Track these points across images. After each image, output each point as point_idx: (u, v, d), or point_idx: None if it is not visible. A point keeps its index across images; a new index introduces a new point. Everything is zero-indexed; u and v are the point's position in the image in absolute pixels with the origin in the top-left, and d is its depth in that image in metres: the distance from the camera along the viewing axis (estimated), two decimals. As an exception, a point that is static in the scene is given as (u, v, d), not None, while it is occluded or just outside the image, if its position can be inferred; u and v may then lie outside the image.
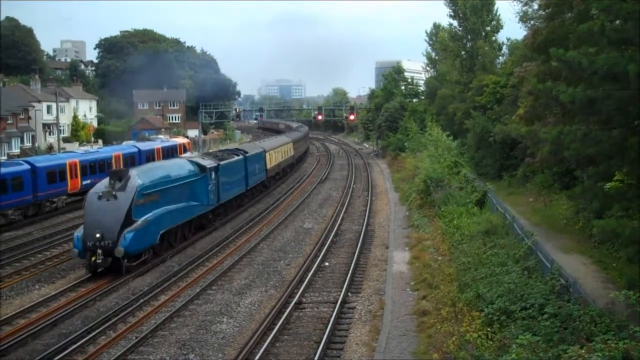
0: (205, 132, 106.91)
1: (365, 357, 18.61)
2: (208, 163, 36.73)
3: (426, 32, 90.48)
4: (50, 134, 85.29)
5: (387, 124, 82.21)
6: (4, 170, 38.06)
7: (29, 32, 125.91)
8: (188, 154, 43.82)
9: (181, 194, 32.50)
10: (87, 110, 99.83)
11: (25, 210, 39.95)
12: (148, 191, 29.14)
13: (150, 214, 29.03)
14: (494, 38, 60.20)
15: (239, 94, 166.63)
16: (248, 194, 46.03)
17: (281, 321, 21.27)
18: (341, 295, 23.72)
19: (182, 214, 32.76)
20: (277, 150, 57.87)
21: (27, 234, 36.94)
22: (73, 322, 22.16)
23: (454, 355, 16.46)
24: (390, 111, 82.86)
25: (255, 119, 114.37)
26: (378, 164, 75.93)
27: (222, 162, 38.72)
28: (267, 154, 52.32)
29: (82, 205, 30.94)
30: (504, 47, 60.67)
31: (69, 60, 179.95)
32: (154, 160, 56.23)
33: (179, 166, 34.55)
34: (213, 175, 36.76)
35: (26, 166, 40.07)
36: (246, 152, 46.05)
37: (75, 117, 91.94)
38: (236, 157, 43.00)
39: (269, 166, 52.60)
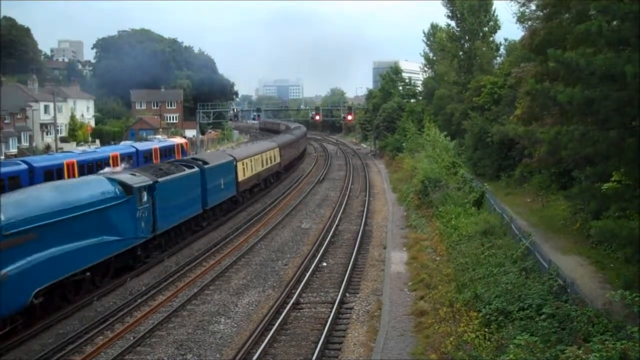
0: (203, 132, 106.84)
1: (363, 358, 18.61)
2: (138, 181, 27.96)
3: (424, 33, 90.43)
4: (47, 134, 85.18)
5: (385, 125, 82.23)
6: (1, 170, 37.94)
7: (26, 31, 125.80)
8: (116, 169, 33.58)
9: (87, 228, 23.80)
10: (84, 110, 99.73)
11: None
12: (16, 230, 20.13)
13: (22, 262, 20.23)
14: (491, 39, 60.30)
15: (236, 94, 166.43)
16: (208, 215, 37.66)
17: (279, 321, 21.27)
18: (339, 296, 23.72)
19: (86, 256, 23.76)
20: (254, 159, 49.47)
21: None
22: (71, 322, 22.13)
23: (452, 355, 16.48)
24: (388, 111, 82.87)
25: (253, 119, 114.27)
26: (376, 165, 75.93)
27: (161, 179, 30.11)
28: (240, 164, 44.41)
29: None
30: (502, 47, 60.85)
31: (66, 60, 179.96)
32: (151, 160, 56.18)
33: (89, 187, 25.53)
34: (145, 198, 28.27)
35: (24, 166, 39.95)
36: (206, 163, 37.67)
37: (72, 117, 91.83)
38: (187, 171, 34.24)
39: (241, 178, 44.56)
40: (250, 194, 48.69)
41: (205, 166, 36.93)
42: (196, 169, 35.60)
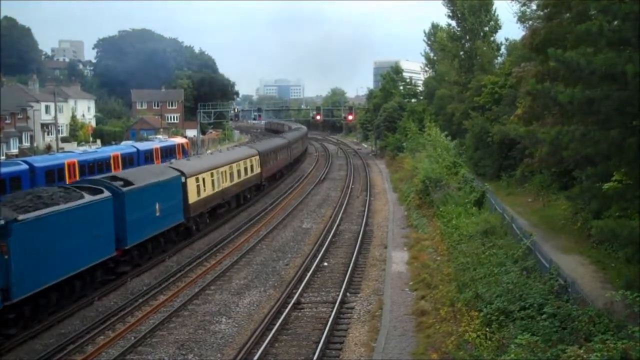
0: (203, 132, 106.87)
1: (364, 358, 18.62)
2: None
3: (424, 32, 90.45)
4: (48, 134, 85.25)
5: (386, 124, 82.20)
6: (2, 170, 37.91)
7: (27, 31, 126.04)
8: None
9: None
10: (85, 110, 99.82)
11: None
12: None
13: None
14: (492, 38, 60.22)
15: (237, 94, 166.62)
16: (131, 254, 28.04)
17: (280, 321, 21.29)
18: (340, 296, 23.74)
19: None
20: (218, 172, 39.24)
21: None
22: (72, 321, 22.16)
23: (453, 355, 16.50)
24: (389, 111, 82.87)
25: (254, 119, 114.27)
26: (377, 164, 75.92)
27: (23, 217, 20.49)
28: (192, 180, 34.39)
29: None
30: (503, 47, 60.79)
31: (67, 60, 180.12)
32: (153, 160, 56.20)
33: None
34: None
35: (24, 166, 39.97)
36: (128, 184, 28.11)
37: (73, 117, 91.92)
38: (85, 200, 24.21)
39: (193, 199, 34.63)
40: (211, 217, 39.15)
41: (125, 189, 27.44)
42: (106, 194, 25.75)
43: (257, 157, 49.91)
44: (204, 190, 36.61)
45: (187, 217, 33.89)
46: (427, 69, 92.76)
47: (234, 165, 43.49)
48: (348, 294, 24.59)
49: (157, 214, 30.10)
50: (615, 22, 16.47)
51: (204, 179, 36.64)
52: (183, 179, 33.60)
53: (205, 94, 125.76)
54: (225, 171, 41.19)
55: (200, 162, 39.51)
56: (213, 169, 38.74)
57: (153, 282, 26.71)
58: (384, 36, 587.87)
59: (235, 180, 43.19)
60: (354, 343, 19.71)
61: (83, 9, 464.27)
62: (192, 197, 34.56)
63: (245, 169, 46.09)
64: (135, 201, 27.98)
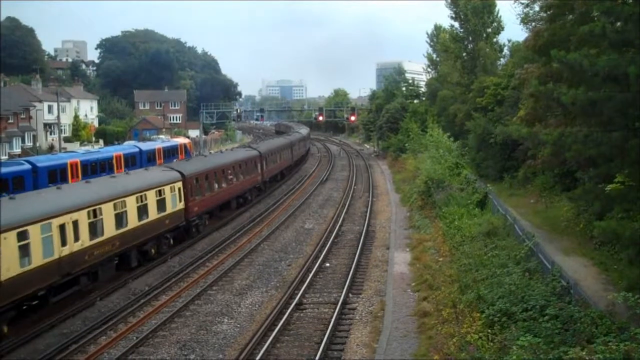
0: (206, 133, 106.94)
1: (365, 359, 18.62)
2: None
3: (427, 34, 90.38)
4: (51, 134, 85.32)
5: (388, 125, 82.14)
6: (5, 169, 38.05)
7: (30, 32, 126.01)
8: None
9: None
10: (88, 110, 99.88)
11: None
12: None
13: None
14: (495, 40, 60.10)
15: (240, 94, 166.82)
16: None
17: (282, 322, 21.29)
18: (342, 296, 23.73)
19: None
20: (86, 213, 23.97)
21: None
22: (74, 322, 22.18)
23: (455, 356, 16.47)
24: (391, 112, 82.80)
25: (256, 119, 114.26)
26: (379, 165, 75.91)
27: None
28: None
29: None
30: (505, 48, 60.72)
31: (70, 60, 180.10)
32: (155, 161, 56.23)
33: None
34: None
35: (27, 166, 40.07)
36: None
37: (76, 117, 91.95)
38: None
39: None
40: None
41: None
42: None
43: (179, 185, 32.72)
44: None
45: None
46: (429, 70, 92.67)
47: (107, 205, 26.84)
48: (350, 294, 24.57)
49: None
50: (618, 24, 16.47)
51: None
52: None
53: (208, 94, 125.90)
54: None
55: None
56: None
57: (155, 283, 26.72)
58: (387, 37, 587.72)
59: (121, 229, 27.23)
60: (355, 344, 19.70)
61: (86, 9, 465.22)
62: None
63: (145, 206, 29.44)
64: None
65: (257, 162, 48.94)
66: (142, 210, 28.50)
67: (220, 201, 39.82)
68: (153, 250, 30.08)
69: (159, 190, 30.32)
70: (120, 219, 26.49)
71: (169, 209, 31.02)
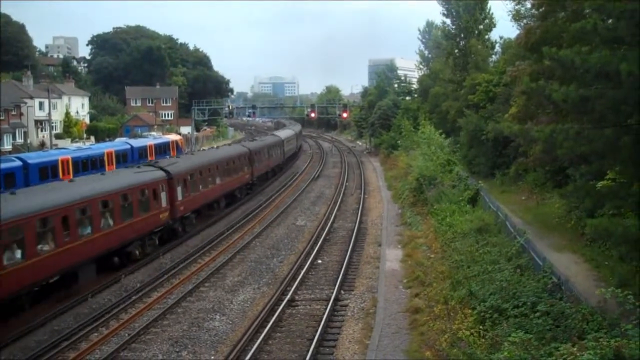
0: (198, 129, 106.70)
1: (358, 355, 18.63)
2: None
3: (419, 30, 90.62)
4: (42, 131, 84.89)
5: (380, 122, 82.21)
6: (-5, 166, 37.85)
7: (21, 28, 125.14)
8: None
9: None
10: (79, 106, 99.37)
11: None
12: None
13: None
14: (487, 36, 60.26)
15: (231, 91, 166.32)
16: None
17: (274, 318, 21.27)
18: (334, 293, 23.73)
19: None
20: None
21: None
22: (65, 318, 22.10)
23: (447, 352, 16.50)
24: (383, 109, 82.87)
25: (248, 116, 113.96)
26: (371, 162, 75.95)
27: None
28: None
29: None
30: (497, 45, 60.86)
31: (61, 56, 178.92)
32: (147, 157, 56.05)
33: None
34: None
35: (18, 162, 39.87)
36: None
37: (67, 114, 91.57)
38: None
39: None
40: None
41: None
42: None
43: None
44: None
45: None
46: (421, 66, 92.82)
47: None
48: (342, 291, 24.58)
49: None
50: (610, 21, 16.49)
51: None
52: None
53: (200, 91, 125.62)
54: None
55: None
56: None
57: (147, 279, 26.65)
58: (380, 34, 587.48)
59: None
60: (347, 340, 19.71)
61: (77, 5, 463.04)
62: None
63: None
64: None
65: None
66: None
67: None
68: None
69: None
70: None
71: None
